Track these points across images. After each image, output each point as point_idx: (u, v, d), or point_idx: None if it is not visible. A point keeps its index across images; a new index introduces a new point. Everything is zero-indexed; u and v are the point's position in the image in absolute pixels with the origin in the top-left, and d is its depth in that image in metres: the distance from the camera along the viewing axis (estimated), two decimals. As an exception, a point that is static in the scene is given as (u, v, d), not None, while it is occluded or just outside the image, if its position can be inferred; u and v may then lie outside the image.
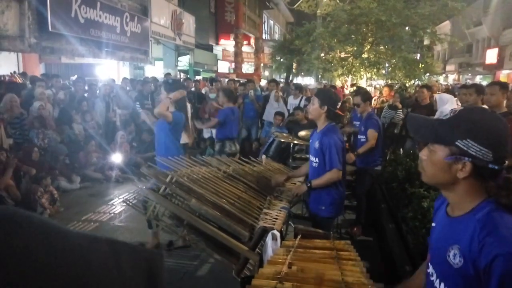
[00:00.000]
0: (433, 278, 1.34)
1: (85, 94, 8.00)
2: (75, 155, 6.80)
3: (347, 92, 12.88)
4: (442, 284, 1.29)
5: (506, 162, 1.19)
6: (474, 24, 28.67)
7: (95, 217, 5.24)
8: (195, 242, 2.81)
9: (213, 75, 17.38)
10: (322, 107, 3.08)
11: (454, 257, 1.20)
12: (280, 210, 3.01)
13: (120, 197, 5.83)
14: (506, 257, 1.07)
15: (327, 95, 3.22)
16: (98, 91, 8.22)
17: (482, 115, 1.25)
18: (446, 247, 1.25)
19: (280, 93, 9.14)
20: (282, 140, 5.02)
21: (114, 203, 5.68)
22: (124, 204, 5.15)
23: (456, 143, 1.19)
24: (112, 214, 5.26)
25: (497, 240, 1.10)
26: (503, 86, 4.00)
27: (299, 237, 2.50)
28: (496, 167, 1.17)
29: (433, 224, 1.44)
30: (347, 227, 4.96)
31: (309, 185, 3.19)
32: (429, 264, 1.39)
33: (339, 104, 3.17)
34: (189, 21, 15.67)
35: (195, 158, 3.49)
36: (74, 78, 9.81)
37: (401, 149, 6.32)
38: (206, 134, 8.52)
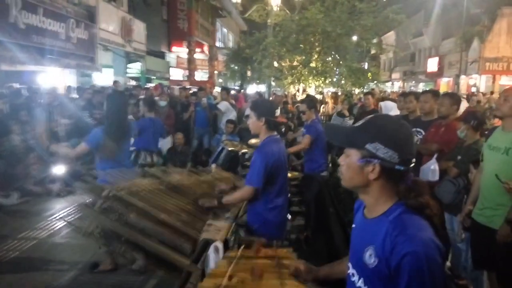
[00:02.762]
0: (355, 278, 1.39)
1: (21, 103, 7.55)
2: (13, 168, 6.38)
3: (299, 99, 13.18)
4: (359, 280, 1.35)
5: (413, 163, 1.30)
6: (416, 34, 30.43)
7: (33, 234, 4.92)
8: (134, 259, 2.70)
9: (166, 82, 17.10)
10: (260, 119, 2.91)
11: (370, 257, 1.27)
12: (225, 221, 2.99)
13: (61, 212, 5.54)
14: (413, 255, 1.15)
15: (262, 106, 3.04)
16: (42, 100, 7.79)
17: (388, 120, 1.36)
18: (362, 247, 1.31)
19: (233, 101, 9.17)
20: (231, 148, 5.01)
21: (55, 219, 5.38)
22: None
23: (366, 146, 1.28)
24: (52, 231, 4.97)
25: (406, 240, 1.18)
26: (435, 93, 4.26)
27: (242, 247, 2.49)
28: (403, 168, 1.26)
29: (353, 225, 1.50)
30: (296, 232, 5.01)
31: (220, 200, 2.95)
32: (349, 265, 1.45)
33: (277, 111, 3.10)
34: (139, 28, 15.36)
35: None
36: (14, 86, 9.26)
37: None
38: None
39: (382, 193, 1.31)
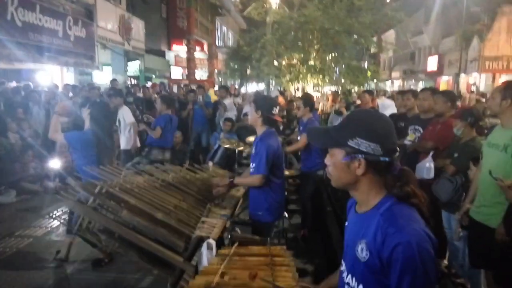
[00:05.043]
0: (344, 274, 1.40)
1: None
2: (11, 166, 6.36)
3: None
4: (352, 278, 1.35)
5: (397, 153, 1.29)
6: (416, 33, 30.36)
7: (30, 232, 4.92)
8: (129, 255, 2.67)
9: (166, 81, 17.05)
10: (257, 112, 3.08)
11: (362, 251, 1.27)
12: (220, 218, 2.97)
13: (58, 210, 5.51)
14: (404, 245, 1.15)
15: (262, 100, 3.23)
16: (40, 98, 7.77)
17: (365, 114, 1.38)
18: (355, 242, 1.31)
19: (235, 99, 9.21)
20: (227, 146, 4.98)
21: (51, 217, 5.35)
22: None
23: (348, 143, 1.28)
24: (49, 228, 4.96)
25: (397, 231, 1.18)
26: (434, 91, 4.23)
27: (235, 244, 2.47)
28: (388, 159, 1.27)
29: (346, 223, 1.50)
30: (293, 231, 5.00)
31: (231, 180, 3.17)
32: (343, 262, 1.45)
33: (275, 109, 3.16)
34: (138, 26, 15.31)
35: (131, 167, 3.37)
36: (7, 84, 9.23)
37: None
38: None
39: (371, 187, 1.31)
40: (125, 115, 5.97)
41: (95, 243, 3.13)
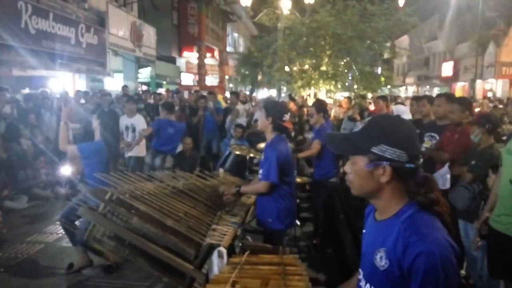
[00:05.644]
0: (362, 283, 1.35)
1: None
2: (23, 172, 6.41)
3: (310, 104, 13.05)
4: (369, 286, 1.30)
5: (421, 159, 1.26)
6: (430, 38, 30.09)
7: (41, 238, 4.92)
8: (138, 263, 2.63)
9: (176, 87, 17.13)
10: (268, 118, 3.04)
11: (381, 259, 1.23)
12: (231, 226, 2.91)
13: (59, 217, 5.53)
14: (427, 254, 1.11)
15: (273, 106, 3.19)
16: (54, 104, 7.85)
17: (388, 120, 1.34)
18: (373, 250, 1.27)
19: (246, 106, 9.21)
20: (238, 153, 4.94)
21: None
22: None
23: (372, 149, 1.24)
24: (60, 235, 4.95)
25: (419, 240, 1.14)
26: (449, 97, 4.13)
27: (247, 253, 2.41)
28: (413, 166, 1.23)
29: (364, 231, 1.46)
30: (305, 240, 4.91)
31: (237, 189, 3.14)
32: (360, 270, 1.40)
33: (286, 116, 3.11)
34: (149, 33, 15.43)
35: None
36: (24, 91, 9.36)
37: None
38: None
39: (394, 194, 1.27)
40: (140, 123, 6.04)
41: (101, 251, 3.11)
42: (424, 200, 1.22)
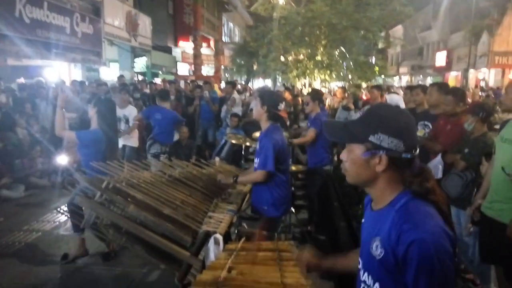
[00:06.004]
0: (361, 272, 1.37)
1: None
2: (19, 161, 6.42)
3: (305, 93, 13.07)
4: (368, 276, 1.32)
5: (417, 150, 1.26)
6: (424, 28, 30.05)
7: (38, 226, 4.95)
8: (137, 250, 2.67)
9: (172, 77, 17.05)
10: (263, 107, 3.07)
11: (376, 248, 1.24)
12: (227, 213, 2.95)
13: (66, 204, 5.55)
14: (420, 242, 1.11)
15: (268, 95, 3.22)
16: (50, 94, 7.81)
17: (387, 109, 1.32)
18: (370, 239, 1.28)
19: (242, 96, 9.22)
20: (234, 141, 4.97)
21: (59, 211, 5.37)
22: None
23: (369, 138, 1.24)
24: (57, 223, 4.99)
25: (412, 227, 1.14)
26: (440, 87, 4.17)
27: (242, 239, 2.45)
28: (409, 156, 1.23)
29: (363, 220, 1.47)
30: (300, 226, 4.97)
31: (235, 179, 3.20)
32: (359, 259, 1.41)
33: (281, 105, 3.14)
34: (145, 22, 15.30)
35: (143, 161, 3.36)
36: (19, 81, 9.30)
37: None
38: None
39: (389, 184, 1.27)
40: (133, 114, 6.04)
41: (103, 237, 3.14)
42: (419, 189, 1.23)
